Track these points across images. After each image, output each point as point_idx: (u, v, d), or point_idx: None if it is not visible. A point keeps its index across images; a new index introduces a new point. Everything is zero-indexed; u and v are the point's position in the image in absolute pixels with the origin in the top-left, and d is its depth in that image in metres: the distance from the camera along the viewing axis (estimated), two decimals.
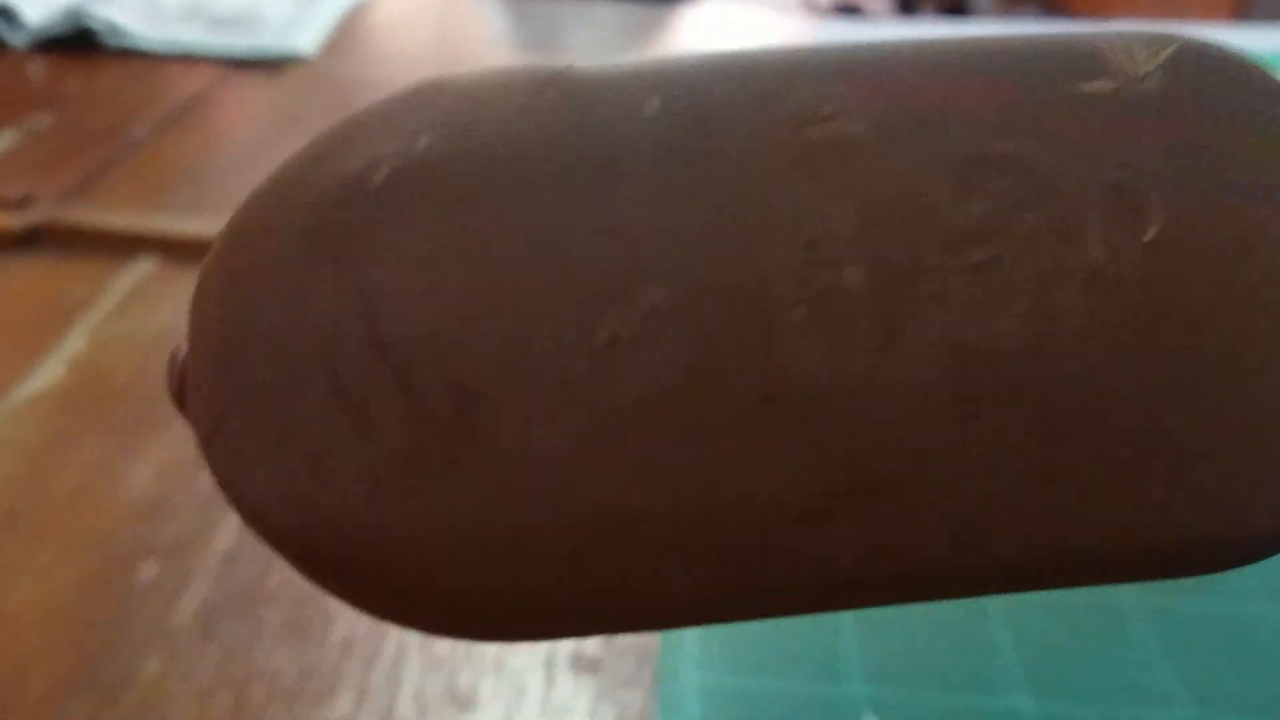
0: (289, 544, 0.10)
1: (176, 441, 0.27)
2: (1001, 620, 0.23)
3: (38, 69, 0.53)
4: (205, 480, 0.26)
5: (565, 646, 0.22)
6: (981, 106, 0.11)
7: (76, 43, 0.55)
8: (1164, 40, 0.12)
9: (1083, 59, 0.11)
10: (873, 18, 0.73)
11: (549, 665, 0.22)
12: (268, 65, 0.56)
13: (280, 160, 0.44)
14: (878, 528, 0.10)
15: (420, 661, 0.22)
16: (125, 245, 0.36)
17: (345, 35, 0.63)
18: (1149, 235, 0.10)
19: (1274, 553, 0.11)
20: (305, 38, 0.59)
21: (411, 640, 0.22)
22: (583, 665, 0.22)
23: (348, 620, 0.22)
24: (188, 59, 0.55)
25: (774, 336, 0.10)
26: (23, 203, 0.38)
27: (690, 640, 0.22)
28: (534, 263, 0.10)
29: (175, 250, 0.37)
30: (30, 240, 0.37)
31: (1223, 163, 0.11)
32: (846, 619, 0.23)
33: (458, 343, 0.10)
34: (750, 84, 0.11)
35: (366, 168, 0.10)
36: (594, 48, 0.66)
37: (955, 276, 0.10)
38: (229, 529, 0.25)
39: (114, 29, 0.56)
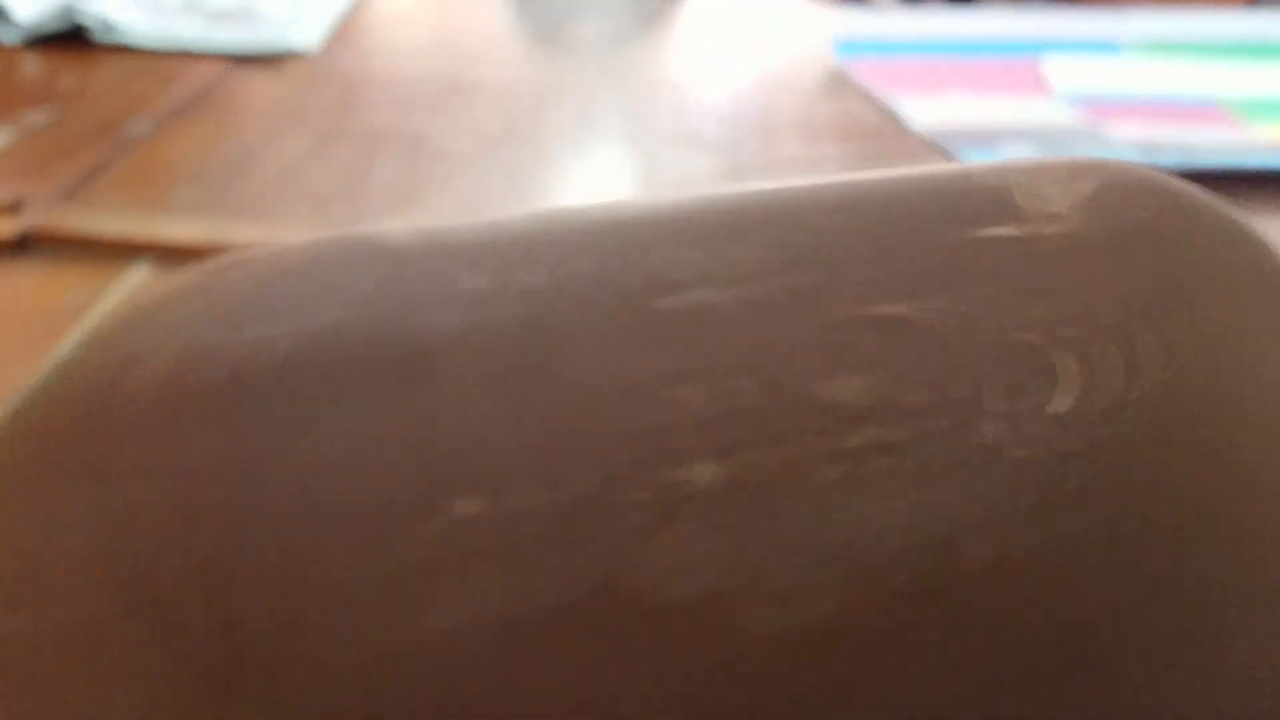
0: None
1: None
2: None
3: (31, 67, 0.51)
4: None
5: None
6: (864, 263, 0.09)
7: (71, 40, 0.54)
8: (1079, 172, 0.10)
9: (986, 201, 0.10)
10: (880, 6, 0.71)
11: None
12: (269, 61, 0.54)
13: (285, 157, 0.43)
14: None
15: None
16: (120, 251, 0.35)
17: (348, 29, 0.61)
18: (1060, 407, 0.09)
19: None
20: (307, 32, 0.58)
21: None
22: None
23: None
24: (186, 55, 0.54)
25: (611, 548, 0.08)
26: (14, 207, 0.36)
27: None
28: (317, 477, 0.08)
29: (173, 256, 0.35)
30: (21, 247, 0.35)
31: (1152, 310, 0.09)
32: None
33: (225, 574, 0.08)
34: (595, 250, 0.09)
35: (118, 367, 0.09)
36: (602, 38, 0.64)
37: (827, 466, 0.09)
38: None
39: (108, 25, 0.54)
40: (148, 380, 0.08)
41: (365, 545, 0.08)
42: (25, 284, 0.34)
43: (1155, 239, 0.09)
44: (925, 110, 0.53)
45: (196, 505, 0.08)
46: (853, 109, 0.55)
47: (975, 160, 0.10)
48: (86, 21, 0.54)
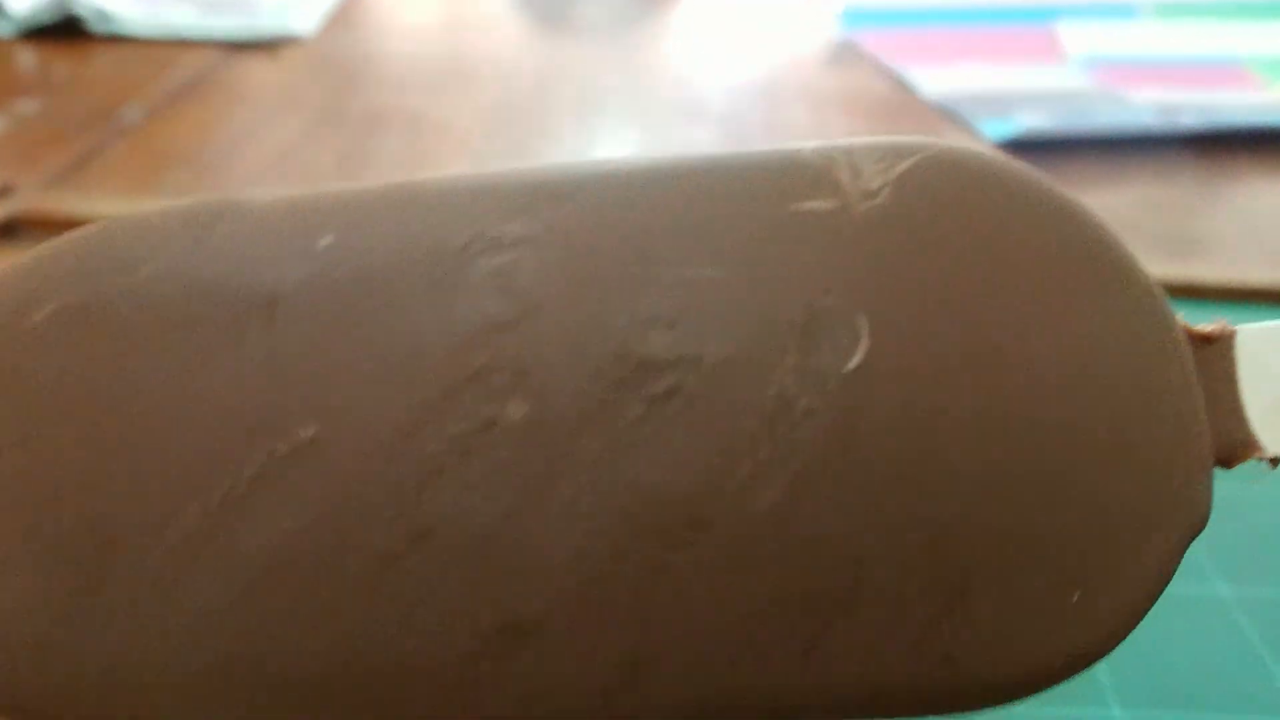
0: None
1: None
2: None
3: (25, 58, 0.50)
4: None
5: None
6: (675, 229, 0.10)
7: (66, 31, 0.53)
8: (905, 152, 0.11)
9: (803, 176, 0.11)
10: None
11: None
12: (265, 46, 0.54)
13: (280, 140, 0.42)
14: (531, 671, 0.10)
15: None
16: None
17: (346, 11, 0.60)
18: (851, 364, 0.10)
19: (1042, 689, 0.11)
20: (303, 17, 0.57)
21: None
22: None
23: None
24: (181, 43, 0.53)
25: (426, 474, 0.10)
26: (2, 192, 0.36)
27: None
28: (181, 403, 0.10)
29: None
30: (9, 232, 0.34)
31: (949, 283, 0.10)
32: None
33: (102, 483, 0.10)
34: (424, 216, 0.10)
35: (25, 306, 0.10)
36: (604, 19, 0.63)
37: (630, 409, 0.10)
38: None
39: (102, 15, 0.53)
40: (51, 316, 0.10)
41: (217, 461, 0.10)
42: None
43: (960, 215, 0.10)
44: (936, 79, 0.52)
45: (74, 420, 0.10)
46: (860, 80, 0.54)
47: (824, 142, 0.10)
48: (81, 12, 0.53)
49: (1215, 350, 0.11)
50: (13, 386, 0.10)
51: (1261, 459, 0.11)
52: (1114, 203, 0.40)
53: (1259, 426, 0.11)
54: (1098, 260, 0.10)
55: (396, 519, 0.10)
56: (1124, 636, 0.11)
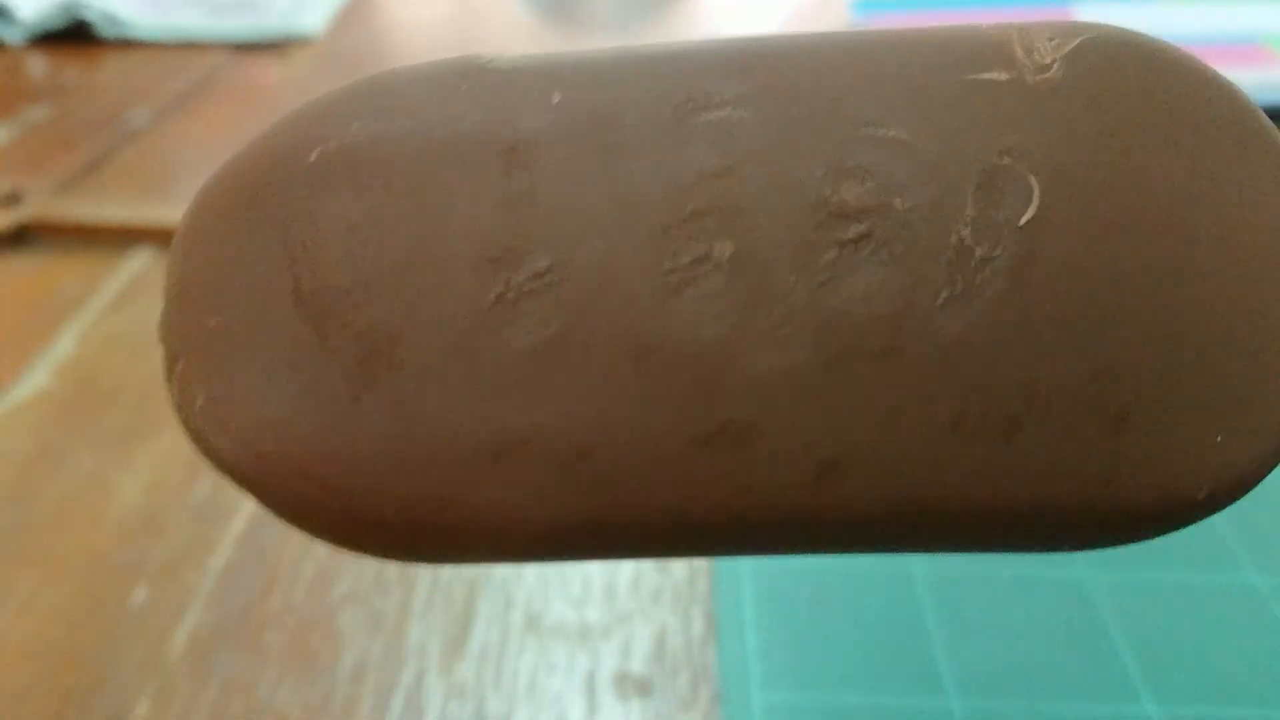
0: (224, 464, 0.12)
1: (169, 449, 0.25)
2: (1114, 617, 0.20)
3: (35, 64, 0.50)
4: (199, 492, 0.23)
5: (608, 666, 0.19)
6: (870, 94, 0.12)
7: (75, 36, 0.53)
8: (1075, 31, 0.12)
9: (982, 50, 0.12)
10: None
11: (590, 688, 0.19)
12: (273, 47, 0.53)
13: None
14: (744, 467, 0.11)
15: (443, 688, 0.19)
16: (120, 238, 0.34)
17: (354, 10, 0.60)
18: (1025, 218, 0.11)
19: (1192, 521, 0.11)
20: (312, 16, 0.57)
21: (431, 665, 0.19)
22: (630, 687, 0.19)
23: (359, 646, 0.20)
24: (190, 46, 0.53)
25: (649, 300, 0.11)
26: (10, 199, 0.35)
27: (752, 655, 0.19)
28: (435, 232, 0.11)
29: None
30: (19, 238, 0.34)
31: (1118, 149, 0.11)
32: (931, 622, 0.19)
33: (364, 299, 0.11)
34: (646, 76, 0.12)
35: (302, 149, 0.12)
36: (615, 10, 0.62)
37: (826, 249, 0.11)
38: (225, 544, 0.22)
39: (111, 19, 0.53)
40: (322, 158, 0.12)
41: (467, 280, 0.11)
42: (22, 275, 0.33)
43: (1127, 88, 0.12)
44: None
45: (349, 247, 0.11)
46: None
47: (1002, 21, 0.11)
48: (90, 17, 0.53)
49: None
50: (291, 218, 0.12)
51: None
52: None
53: None
54: (1253, 138, 0.12)
55: (620, 341, 0.11)
56: (1254, 484, 0.11)
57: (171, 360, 0.12)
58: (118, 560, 0.22)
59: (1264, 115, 0.12)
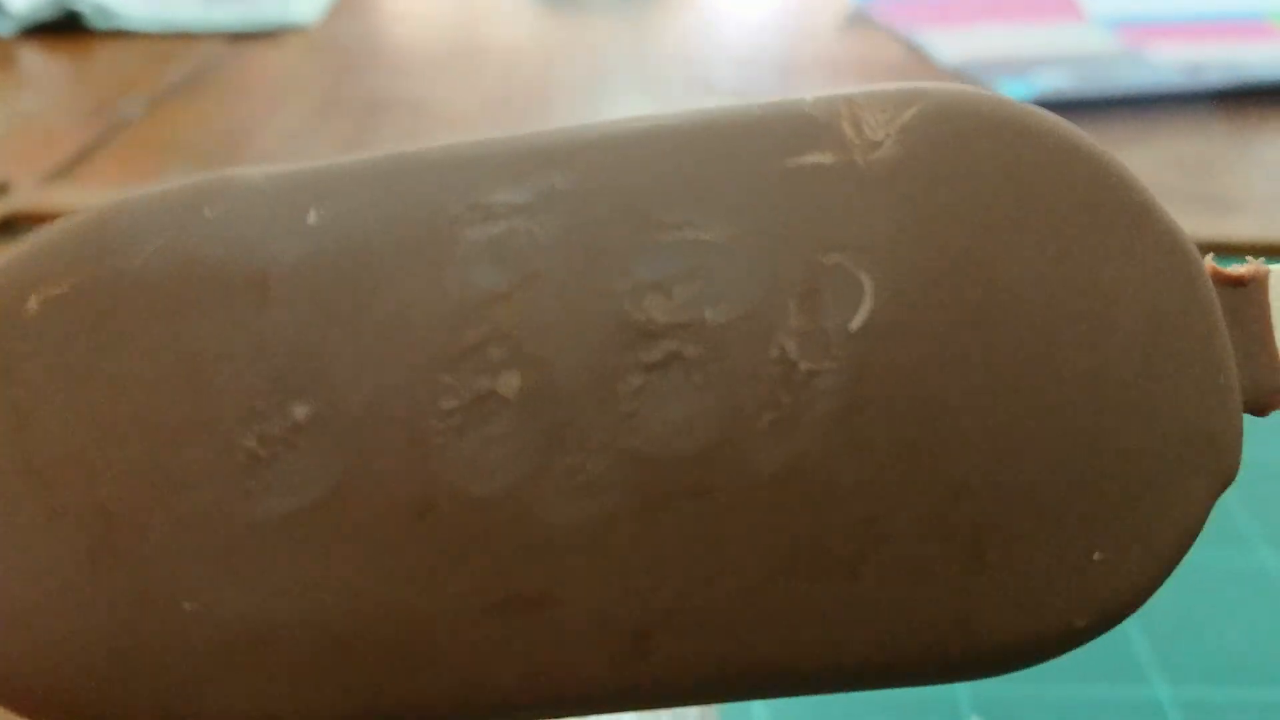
0: None
1: None
2: None
3: (26, 55, 0.50)
4: None
5: None
6: (675, 190, 0.10)
7: (67, 27, 0.52)
8: (911, 99, 0.10)
9: (805, 129, 0.10)
10: None
11: None
12: (268, 36, 0.53)
13: (283, 129, 0.41)
14: (538, 643, 0.10)
15: None
16: None
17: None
18: (856, 323, 0.10)
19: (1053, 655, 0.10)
20: (305, 5, 0.56)
21: None
22: None
23: None
24: (183, 36, 0.52)
25: (427, 448, 0.10)
26: None
27: None
28: (174, 386, 0.10)
29: None
30: (8, 228, 0.34)
31: (963, 236, 0.10)
32: None
33: (98, 467, 0.10)
34: (419, 185, 0.10)
35: (20, 295, 0.10)
36: (614, 1, 0.62)
37: (630, 377, 0.10)
38: None
39: (102, 11, 0.53)
40: (45, 306, 0.10)
41: (213, 438, 0.10)
42: None
43: (972, 162, 0.10)
44: (953, 43, 0.51)
45: (74, 405, 0.10)
46: (875, 47, 0.53)
47: (826, 92, 0.10)
48: (81, 8, 0.53)
49: (1248, 293, 0.11)
50: (12, 374, 0.10)
51: None
52: (1140, 163, 0.39)
53: None
54: (1116, 202, 0.10)
55: (395, 495, 0.10)
56: (1149, 595, 0.10)
57: None
58: None
59: (1134, 180, 0.10)
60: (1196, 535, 0.10)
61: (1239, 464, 0.10)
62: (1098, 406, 0.10)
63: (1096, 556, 0.10)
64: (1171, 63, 0.47)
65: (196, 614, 0.10)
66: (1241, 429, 0.10)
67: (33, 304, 0.10)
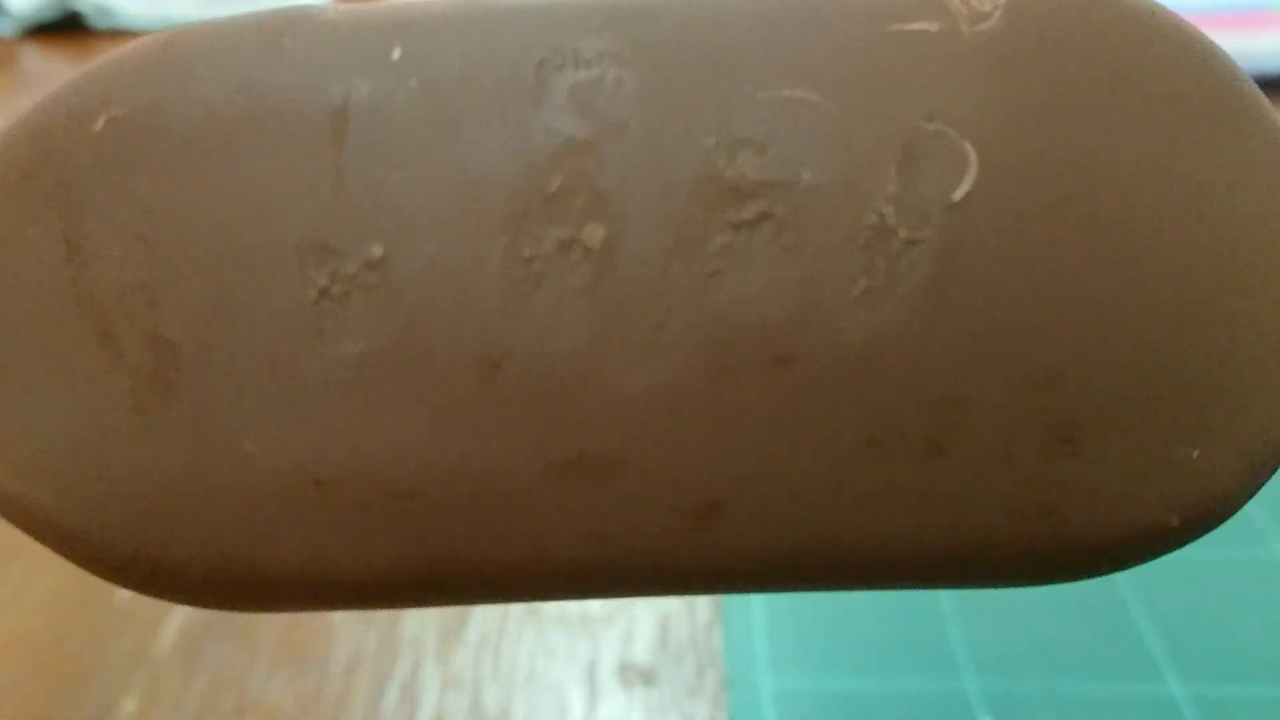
0: None
1: None
2: (1134, 592, 0.19)
3: (27, 55, 0.50)
4: None
5: (610, 654, 0.18)
6: (771, 48, 0.10)
7: (68, 27, 0.52)
8: None
9: None
10: None
11: (591, 677, 0.18)
12: None
13: None
14: (602, 507, 0.09)
15: (439, 679, 0.18)
16: None
17: None
18: (959, 193, 0.09)
19: (1161, 554, 0.10)
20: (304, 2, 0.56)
21: (427, 655, 0.19)
22: (633, 676, 0.18)
23: (353, 638, 0.19)
24: None
25: (499, 299, 0.09)
26: None
27: (760, 639, 0.18)
28: (248, 214, 0.10)
29: None
30: None
31: (1071, 117, 0.10)
32: (945, 601, 0.19)
33: (158, 297, 0.10)
34: (506, 28, 0.10)
35: (86, 114, 0.10)
36: None
37: (717, 235, 0.09)
38: None
39: (103, 10, 0.53)
40: (111, 125, 0.10)
41: (285, 272, 0.09)
42: None
43: (1084, 43, 0.10)
44: None
45: (141, 234, 0.10)
46: None
47: None
48: (82, 8, 0.53)
49: None
50: (71, 197, 0.10)
51: None
52: None
53: None
54: (1226, 99, 0.10)
55: (467, 346, 0.09)
56: (1244, 500, 0.10)
57: None
58: None
59: (1254, 86, 0.10)
60: None
61: None
62: (1198, 307, 0.09)
63: (1195, 455, 0.10)
64: None
65: (256, 454, 0.09)
66: None
67: (99, 124, 0.10)
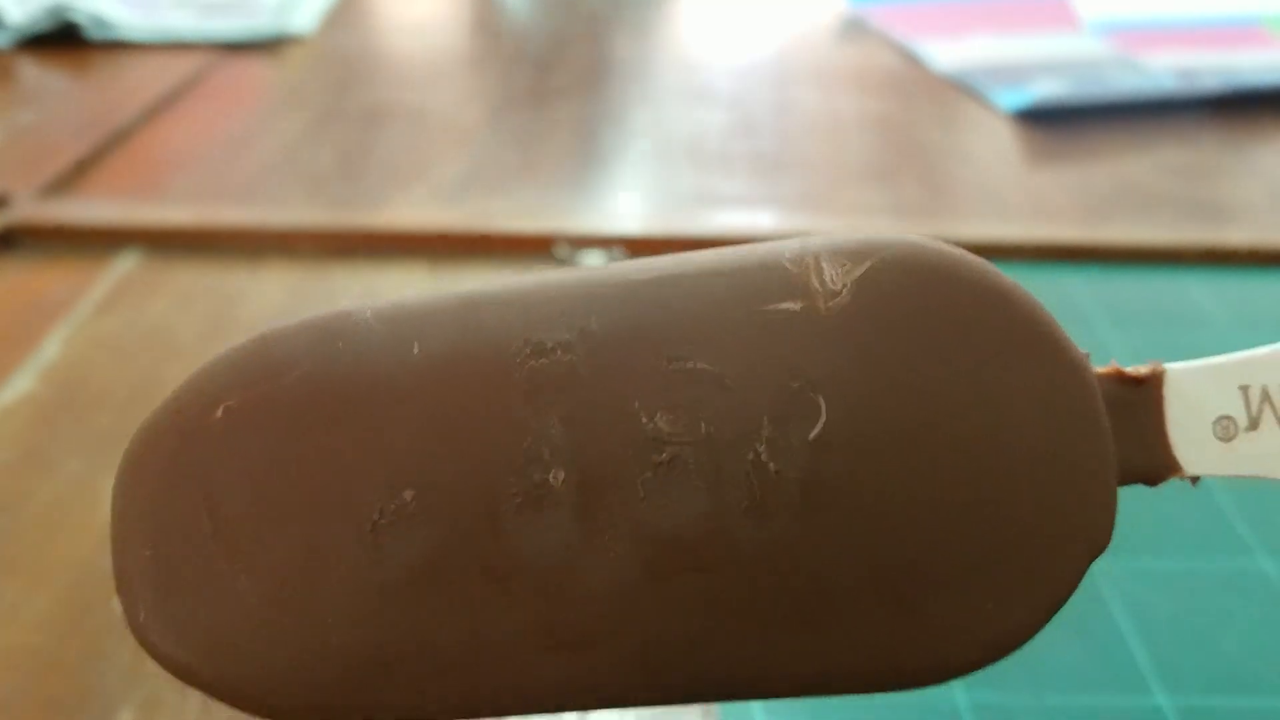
0: (165, 666, 0.14)
1: None
2: (1122, 605, 0.19)
3: (22, 67, 0.50)
4: None
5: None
6: (678, 329, 0.13)
7: (63, 39, 0.53)
8: (867, 253, 0.13)
9: (781, 280, 0.13)
10: None
11: None
12: (264, 46, 0.53)
13: (280, 139, 0.41)
14: (584, 673, 0.13)
15: None
16: (108, 240, 0.34)
17: (345, 9, 0.60)
18: (812, 434, 0.13)
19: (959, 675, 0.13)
20: (302, 15, 0.56)
21: None
22: None
23: None
24: (180, 46, 0.53)
25: (496, 526, 0.13)
26: None
27: None
28: (319, 476, 0.13)
29: (162, 241, 0.34)
30: (6, 242, 0.34)
31: (902, 369, 0.13)
32: None
33: (267, 533, 0.13)
34: (490, 323, 0.14)
35: (209, 407, 0.14)
36: (606, 7, 0.62)
37: (643, 474, 0.13)
38: None
39: (99, 21, 0.53)
40: (225, 413, 0.14)
41: (350, 517, 0.13)
42: (8, 279, 0.32)
43: (913, 308, 0.13)
44: (949, 52, 0.51)
45: (252, 490, 0.13)
46: (870, 56, 0.53)
47: (788, 241, 0.14)
48: (78, 19, 0.53)
49: (1146, 388, 0.14)
50: (204, 468, 0.14)
51: (1183, 478, 0.14)
52: (1135, 170, 0.39)
53: (1181, 451, 0.14)
54: (1024, 336, 0.13)
55: (482, 559, 0.13)
56: (1033, 634, 0.13)
57: (120, 579, 0.14)
58: (104, 567, 0.22)
59: (1048, 317, 0.13)
60: (1073, 590, 0.13)
61: (1109, 538, 0.13)
62: (998, 497, 0.13)
63: (990, 606, 0.13)
64: (1166, 69, 0.47)
65: (344, 643, 0.13)
66: (1113, 513, 0.13)
67: (219, 413, 0.14)
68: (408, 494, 0.13)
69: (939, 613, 0.13)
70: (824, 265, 0.13)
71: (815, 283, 0.13)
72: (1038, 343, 0.13)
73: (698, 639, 0.13)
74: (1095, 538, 0.13)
